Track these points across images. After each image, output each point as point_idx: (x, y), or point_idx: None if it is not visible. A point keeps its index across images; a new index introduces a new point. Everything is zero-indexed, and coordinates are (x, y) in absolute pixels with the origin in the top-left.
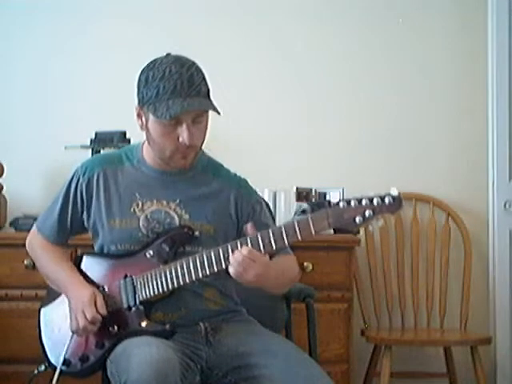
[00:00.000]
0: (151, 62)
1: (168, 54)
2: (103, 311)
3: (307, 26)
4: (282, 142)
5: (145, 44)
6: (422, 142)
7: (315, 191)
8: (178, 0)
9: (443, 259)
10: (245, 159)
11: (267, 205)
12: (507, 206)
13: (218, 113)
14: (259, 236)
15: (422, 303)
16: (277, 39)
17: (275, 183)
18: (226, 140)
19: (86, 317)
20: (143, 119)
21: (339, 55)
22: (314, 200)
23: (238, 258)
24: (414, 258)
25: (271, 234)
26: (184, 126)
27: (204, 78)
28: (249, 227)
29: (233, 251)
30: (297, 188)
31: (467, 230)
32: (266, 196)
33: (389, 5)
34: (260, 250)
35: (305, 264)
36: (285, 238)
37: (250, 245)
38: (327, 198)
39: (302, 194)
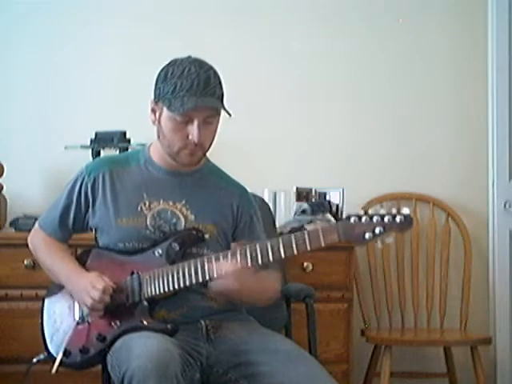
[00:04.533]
0: (172, 60)
1: (189, 56)
2: (112, 284)
3: (307, 26)
4: (282, 142)
5: (145, 44)
6: (422, 142)
7: (315, 191)
8: (179, 0)
9: (443, 259)
10: (245, 159)
11: (268, 207)
12: (507, 206)
13: (229, 114)
14: (269, 244)
15: (422, 303)
16: (277, 39)
17: (275, 183)
18: (227, 140)
19: (97, 289)
20: (157, 114)
21: (339, 55)
22: (314, 200)
23: (223, 271)
24: (414, 258)
25: (281, 243)
26: (195, 124)
27: (220, 83)
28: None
29: (241, 256)
30: (297, 188)
31: (467, 230)
32: (266, 196)
33: (389, 5)
34: (269, 257)
35: (305, 264)
36: (294, 247)
37: (259, 252)
38: (327, 198)
39: (302, 194)
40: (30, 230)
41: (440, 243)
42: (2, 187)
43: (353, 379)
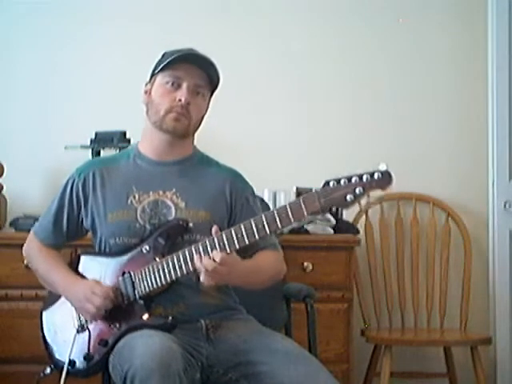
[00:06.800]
0: None
1: None
2: (111, 290)
3: (307, 25)
4: (281, 142)
5: (145, 44)
6: (422, 142)
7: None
8: (179, 0)
9: (443, 259)
10: (245, 159)
11: (266, 205)
12: (507, 206)
13: (218, 75)
14: (252, 221)
15: (422, 303)
16: (277, 39)
17: (275, 183)
18: (227, 140)
19: (98, 295)
20: (150, 90)
21: (339, 55)
22: None
23: (208, 267)
24: (413, 258)
25: (264, 219)
26: (184, 86)
27: (214, 65)
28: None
29: (228, 241)
30: (297, 188)
31: (467, 230)
32: (266, 196)
33: (388, 5)
34: (254, 235)
35: (305, 264)
36: (278, 221)
37: (244, 230)
38: None
39: (301, 194)
40: (29, 230)
41: (440, 243)
42: (2, 187)
43: (353, 379)
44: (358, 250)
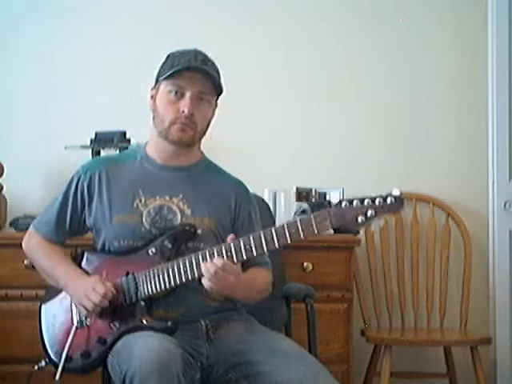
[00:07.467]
0: None
1: None
2: (112, 289)
3: (307, 26)
4: (282, 142)
5: (145, 44)
6: (422, 142)
7: (315, 191)
8: (179, 0)
9: (443, 259)
10: (245, 159)
11: (267, 205)
12: (507, 206)
13: (221, 90)
14: (262, 233)
15: (422, 303)
16: (277, 40)
17: (275, 183)
18: (227, 140)
19: (98, 292)
20: (154, 97)
21: (339, 55)
22: (314, 200)
23: (210, 270)
24: (413, 258)
25: (274, 232)
26: (187, 96)
27: (218, 71)
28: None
29: (235, 251)
30: (297, 188)
31: (467, 230)
32: (266, 196)
33: (388, 5)
34: (263, 247)
35: (305, 264)
36: (287, 236)
37: (252, 242)
38: (327, 198)
39: (302, 194)
40: None
41: (440, 243)
42: (2, 187)
43: (353, 379)
44: (358, 250)
